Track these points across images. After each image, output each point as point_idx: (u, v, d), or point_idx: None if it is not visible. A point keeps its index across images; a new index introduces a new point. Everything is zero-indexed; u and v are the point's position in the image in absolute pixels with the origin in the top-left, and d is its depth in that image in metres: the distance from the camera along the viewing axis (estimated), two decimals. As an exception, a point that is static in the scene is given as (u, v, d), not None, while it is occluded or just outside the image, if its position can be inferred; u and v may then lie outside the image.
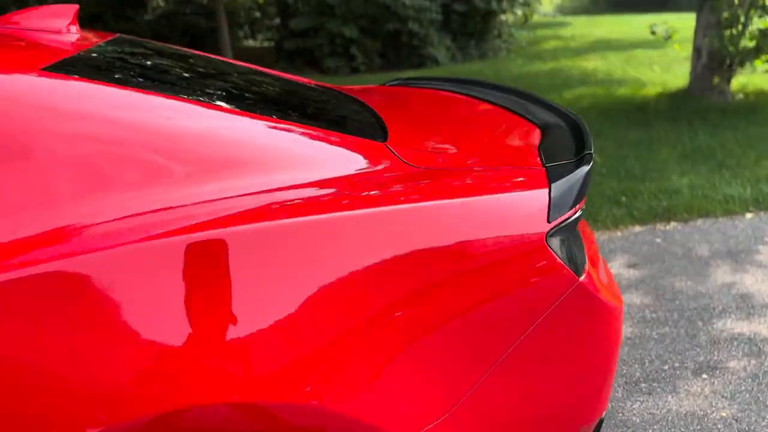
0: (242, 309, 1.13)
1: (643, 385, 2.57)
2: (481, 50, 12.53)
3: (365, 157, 1.41)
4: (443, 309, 1.28)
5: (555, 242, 1.39)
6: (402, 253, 1.25)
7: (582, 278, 1.42)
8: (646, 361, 2.72)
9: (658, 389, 2.54)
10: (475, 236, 1.32)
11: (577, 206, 1.46)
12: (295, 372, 1.14)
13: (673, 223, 4.10)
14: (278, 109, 1.62)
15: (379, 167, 1.40)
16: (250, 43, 15.57)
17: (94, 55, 1.53)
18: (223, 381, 1.11)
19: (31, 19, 1.69)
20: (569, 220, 1.43)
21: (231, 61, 2.16)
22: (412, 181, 1.38)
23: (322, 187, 1.27)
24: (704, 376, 2.61)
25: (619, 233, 4.03)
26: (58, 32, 1.69)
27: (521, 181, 1.44)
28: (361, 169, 1.37)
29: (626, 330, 2.94)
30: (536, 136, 1.70)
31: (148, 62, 1.71)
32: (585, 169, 1.47)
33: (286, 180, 1.24)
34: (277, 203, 1.21)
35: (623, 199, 4.45)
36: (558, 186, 1.42)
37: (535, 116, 1.88)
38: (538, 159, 1.53)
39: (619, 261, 3.62)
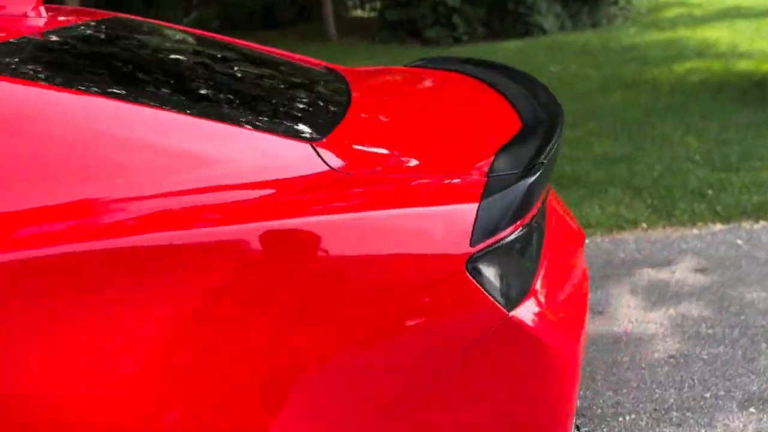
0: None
1: (674, 414, 2.26)
2: (594, 18, 11.71)
3: (274, 161, 1.25)
4: (326, 340, 1.11)
5: (481, 268, 1.18)
6: (274, 276, 1.09)
7: (513, 312, 1.20)
8: (686, 385, 2.39)
9: (691, 420, 2.22)
10: (376, 260, 1.14)
11: (516, 226, 1.23)
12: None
13: (762, 223, 3.60)
14: (192, 97, 1.46)
15: (288, 174, 1.24)
16: (358, 13, 15.53)
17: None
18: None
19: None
20: (503, 243, 1.21)
21: (206, 35, 2.06)
22: (324, 190, 1.21)
23: (194, 196, 1.14)
24: (752, 410, 2.25)
25: (695, 231, 3.59)
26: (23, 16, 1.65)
27: (452, 194, 1.23)
28: (259, 175, 1.22)
29: (672, 346, 2.60)
30: (508, 136, 1.47)
31: (73, 50, 1.59)
32: (527, 182, 1.23)
33: (147, 188, 1.11)
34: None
35: (709, 192, 3.96)
36: (488, 203, 1.19)
37: (529, 110, 1.63)
38: (489, 166, 1.31)
39: (686, 264, 3.22)
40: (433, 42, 11.13)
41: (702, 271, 3.15)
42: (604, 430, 2.19)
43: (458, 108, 1.80)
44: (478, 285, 1.16)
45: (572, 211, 3.69)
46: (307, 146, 1.29)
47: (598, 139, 5.09)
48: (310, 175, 1.25)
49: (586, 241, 3.48)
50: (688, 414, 2.25)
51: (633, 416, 2.25)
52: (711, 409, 2.27)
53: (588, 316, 1.85)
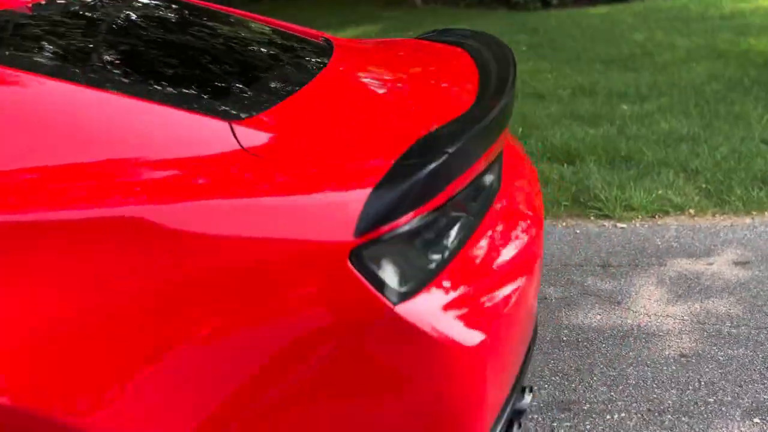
0: None
1: (668, 417, 2.12)
2: (698, -18, 10.83)
3: (181, 138, 1.25)
4: (192, 325, 1.11)
5: (366, 259, 1.13)
6: (141, 258, 1.10)
7: (400, 307, 1.15)
8: (690, 387, 2.23)
9: (685, 426, 2.08)
10: (254, 246, 1.12)
11: (412, 216, 1.17)
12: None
13: (828, 215, 3.26)
14: (109, 68, 1.44)
15: (193, 153, 1.23)
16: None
17: None
18: None
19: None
20: (394, 234, 1.16)
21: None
22: (227, 171, 1.20)
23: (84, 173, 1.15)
24: (756, 420, 2.07)
25: (747, 220, 3.30)
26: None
27: (346, 181, 1.18)
28: (158, 154, 1.21)
29: (686, 344, 2.43)
30: (450, 119, 1.40)
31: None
32: (424, 172, 1.16)
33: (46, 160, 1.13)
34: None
35: (775, 177, 3.63)
36: (379, 192, 1.14)
37: (487, 94, 1.55)
38: (405, 151, 1.24)
39: (727, 256, 2.98)
40: (520, 7, 10.70)
41: (743, 264, 2.91)
42: (587, 426, 2.09)
43: (424, 87, 1.73)
44: (361, 277, 1.12)
45: (613, 192, 3.51)
46: (224, 125, 1.28)
47: (666, 115, 4.75)
48: (219, 155, 1.23)
49: (622, 225, 3.30)
50: (683, 419, 2.11)
51: (622, 415, 2.13)
52: (710, 416, 2.11)
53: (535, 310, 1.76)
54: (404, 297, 1.16)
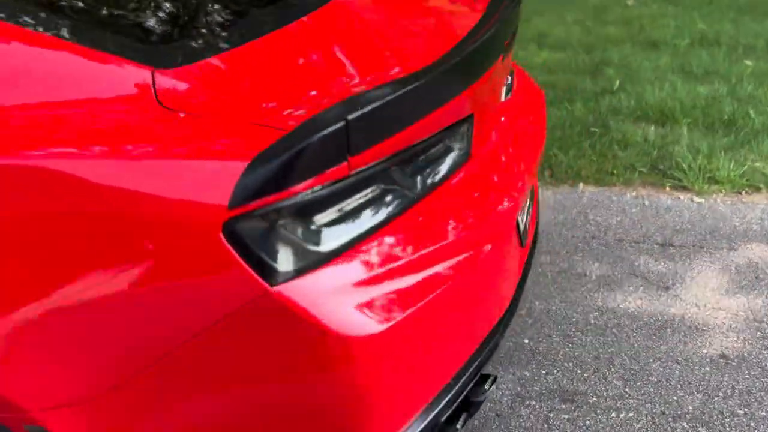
0: None
1: (683, 424, 1.89)
2: None
3: (98, 84, 1.20)
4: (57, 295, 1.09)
5: (242, 234, 1.05)
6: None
7: (279, 288, 1.06)
8: (721, 394, 1.97)
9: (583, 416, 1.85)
10: (136, 199, 1.06)
11: (298, 190, 1.06)
12: None
13: None
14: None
15: (101, 95, 1.18)
16: None
17: None
18: None
19: None
20: (275, 207, 1.06)
21: None
22: (132, 121, 1.15)
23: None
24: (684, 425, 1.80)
25: None
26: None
27: (234, 147, 1.08)
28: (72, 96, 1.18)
29: (731, 343, 2.15)
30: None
31: None
32: (315, 140, 1.05)
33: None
34: None
35: None
36: (259, 161, 1.04)
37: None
38: (313, 116, 1.13)
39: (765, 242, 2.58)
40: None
41: (830, 258, 2.51)
42: (586, 422, 1.92)
43: (399, 44, 1.56)
44: (233, 252, 1.05)
45: (699, 161, 3.13)
46: (145, 73, 1.21)
47: (796, 74, 4.13)
48: (132, 103, 1.18)
49: (699, 200, 2.96)
50: (699, 429, 1.88)
51: (630, 415, 1.93)
52: (733, 430, 1.86)
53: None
54: (285, 278, 1.07)
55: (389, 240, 1.21)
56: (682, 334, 2.22)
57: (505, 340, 2.21)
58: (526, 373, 2.10)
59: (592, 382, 2.06)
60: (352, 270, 1.14)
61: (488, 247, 1.41)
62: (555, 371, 2.11)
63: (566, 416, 1.94)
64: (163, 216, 1.07)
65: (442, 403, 1.36)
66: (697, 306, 2.34)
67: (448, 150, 1.38)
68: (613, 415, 1.94)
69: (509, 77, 1.75)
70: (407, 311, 1.18)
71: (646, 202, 3.00)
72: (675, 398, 1.98)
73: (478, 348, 1.47)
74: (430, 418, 1.33)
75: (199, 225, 1.05)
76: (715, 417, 1.91)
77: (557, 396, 2.01)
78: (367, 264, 1.17)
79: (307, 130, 1.07)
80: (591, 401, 1.99)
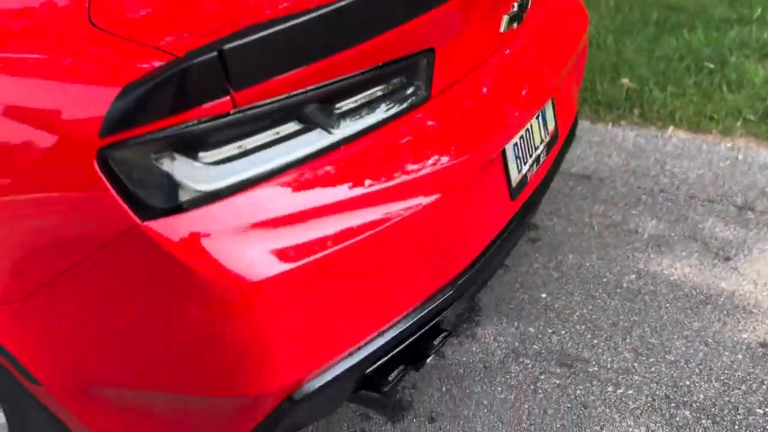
0: None
1: (686, 412, 1.69)
2: None
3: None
4: None
5: (117, 164, 1.02)
6: None
7: (150, 223, 1.03)
8: (744, 387, 1.73)
9: (700, 430, 1.64)
10: (21, 113, 1.07)
11: (170, 121, 1.00)
12: None
13: None
14: None
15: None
16: None
17: None
18: None
19: None
20: (151, 138, 1.01)
21: None
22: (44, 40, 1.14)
23: None
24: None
25: None
26: None
27: (125, 71, 1.03)
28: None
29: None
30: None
31: None
32: (182, 70, 0.97)
33: None
34: None
35: None
36: (128, 90, 0.99)
37: None
38: (207, 43, 1.05)
39: None
40: None
41: None
42: (576, 391, 1.77)
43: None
44: (107, 182, 1.02)
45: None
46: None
47: None
48: (60, 17, 1.18)
49: (805, 160, 2.52)
50: (703, 421, 1.67)
51: (629, 392, 1.76)
52: (743, 428, 1.64)
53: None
54: (155, 214, 1.04)
55: (295, 184, 1.14)
56: (724, 313, 1.96)
57: (519, 292, 2.08)
58: (531, 329, 1.97)
59: (599, 350, 1.89)
60: (234, 213, 1.08)
61: (434, 197, 1.29)
62: (563, 332, 1.95)
63: (557, 381, 1.81)
64: (48, 135, 1.07)
65: (367, 353, 1.31)
66: (755, 284, 2.04)
67: (392, 89, 1.25)
68: (610, 389, 1.78)
69: (517, 2, 1.52)
70: (301, 261, 1.12)
71: (740, 156, 2.60)
72: (687, 383, 1.77)
73: (422, 302, 1.38)
74: (346, 367, 1.29)
75: (75, 151, 1.04)
76: (726, 411, 1.69)
77: (555, 358, 1.87)
78: (258, 208, 1.10)
79: (185, 59, 1.01)
80: (590, 370, 1.83)
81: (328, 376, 1.28)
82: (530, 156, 1.67)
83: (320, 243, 1.15)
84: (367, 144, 1.23)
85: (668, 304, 2.01)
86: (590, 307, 2.03)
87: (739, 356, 1.83)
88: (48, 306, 1.18)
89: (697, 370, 1.81)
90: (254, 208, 1.11)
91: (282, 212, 1.13)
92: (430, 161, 1.29)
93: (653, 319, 1.97)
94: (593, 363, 1.86)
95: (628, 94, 3.04)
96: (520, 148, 1.61)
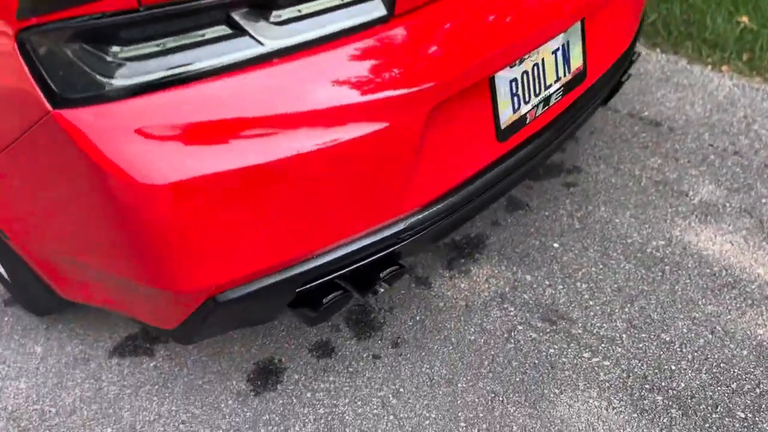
0: None
1: (656, 397, 1.56)
2: None
3: None
4: None
5: (33, 49, 1.03)
6: None
7: (62, 111, 1.04)
8: (734, 384, 1.56)
9: (664, 419, 1.51)
10: None
11: (80, 10, 0.98)
12: None
13: None
14: None
15: None
16: None
17: None
18: None
19: None
20: (64, 25, 1.00)
21: None
22: None
23: None
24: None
25: None
26: None
27: None
28: None
29: None
30: None
31: None
32: None
33: None
34: None
35: None
36: None
37: None
38: None
39: None
40: None
41: None
42: (551, 349, 1.68)
43: None
44: (25, 66, 1.04)
45: None
46: None
47: None
48: None
49: None
50: (674, 411, 1.54)
51: (605, 363, 1.65)
52: (714, 428, 1.49)
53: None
54: (67, 104, 1.05)
55: (217, 92, 1.10)
56: (749, 302, 1.75)
57: (531, 236, 1.97)
58: (528, 277, 1.87)
59: (591, 313, 1.77)
60: (146, 112, 1.08)
61: (379, 126, 1.21)
62: (560, 287, 1.84)
63: (534, 335, 1.73)
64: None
65: (297, 272, 1.31)
66: (800, 277, 1.79)
67: (345, 3, 1.15)
68: (586, 355, 1.68)
69: None
70: (207, 171, 1.11)
71: None
72: (673, 368, 1.63)
73: (362, 234, 1.34)
74: (275, 281, 1.30)
75: (1, 31, 1.07)
76: (703, 406, 1.54)
77: (541, 312, 1.78)
78: (172, 111, 1.09)
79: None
80: (573, 331, 1.73)
81: (256, 286, 1.30)
82: (535, 95, 1.51)
83: (236, 156, 1.13)
84: (309, 60, 1.17)
85: (688, 280, 1.82)
86: (600, 266, 1.88)
87: (744, 352, 1.65)
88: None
89: (689, 357, 1.65)
90: (169, 110, 1.10)
91: (198, 119, 1.11)
92: (383, 86, 1.21)
93: (664, 292, 1.80)
94: (579, 325, 1.75)
95: (741, 35, 2.64)
96: (520, 85, 1.46)
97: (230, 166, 1.13)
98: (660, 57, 2.67)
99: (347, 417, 1.60)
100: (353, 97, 1.19)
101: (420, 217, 1.38)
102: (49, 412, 1.65)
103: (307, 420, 1.60)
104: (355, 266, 1.38)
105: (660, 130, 2.31)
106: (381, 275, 1.44)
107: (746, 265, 1.84)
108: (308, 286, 1.36)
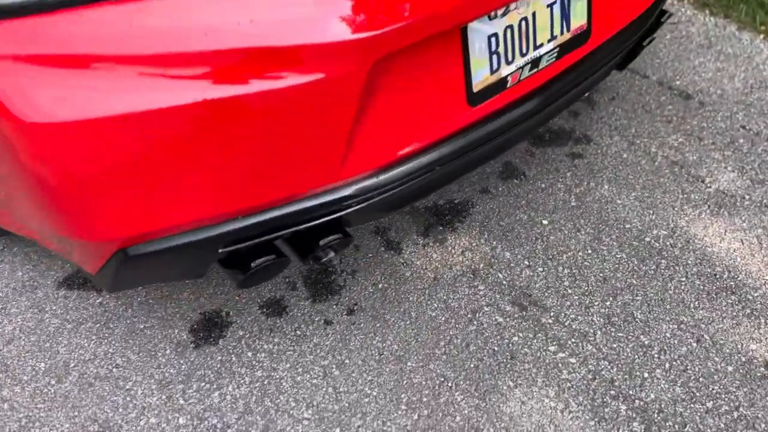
0: None
1: (618, 406, 1.41)
2: None
3: None
4: None
5: None
6: None
7: None
8: (717, 403, 1.40)
9: (622, 419, 1.37)
10: None
11: None
12: None
13: None
14: None
15: None
16: None
17: None
18: None
19: None
20: None
21: None
22: None
23: None
24: None
25: None
26: None
27: None
28: None
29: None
30: None
31: None
32: None
33: None
34: None
35: None
36: None
37: None
38: None
39: None
40: None
41: None
42: (515, 338, 1.53)
43: None
44: None
45: None
46: None
47: None
48: None
49: None
50: (636, 424, 1.39)
51: (571, 361, 1.50)
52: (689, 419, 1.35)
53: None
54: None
55: (116, 16, 0.95)
56: (747, 311, 1.55)
57: (520, 210, 1.79)
58: (507, 254, 1.71)
59: (567, 303, 1.60)
60: (37, 38, 0.94)
61: (311, 77, 1.04)
62: (539, 269, 1.67)
63: (499, 319, 1.58)
64: None
65: (216, 233, 1.18)
66: (813, 290, 1.58)
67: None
68: (551, 348, 1.52)
69: None
70: (102, 112, 0.97)
71: None
72: (645, 375, 1.47)
73: (294, 197, 1.20)
74: (192, 239, 1.18)
75: None
76: (670, 423, 1.39)
77: (512, 295, 1.62)
78: (55, 39, 0.95)
79: None
80: (543, 321, 1.57)
81: (172, 243, 1.19)
82: (521, 55, 1.31)
83: (134, 97, 0.99)
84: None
85: (684, 279, 1.63)
86: (589, 251, 1.71)
87: (730, 368, 1.47)
88: None
89: (666, 365, 1.48)
90: (59, 36, 0.96)
91: (94, 51, 0.97)
92: (317, 31, 1.04)
93: (654, 289, 1.62)
94: (551, 314, 1.59)
95: (806, 3, 2.32)
96: (502, 41, 1.26)
97: (128, 108, 0.99)
98: (708, 20, 2.37)
99: (284, 384, 1.50)
100: (274, 38, 1.02)
101: (367, 183, 1.23)
102: (-12, 338, 1.61)
103: (242, 381, 1.51)
104: (288, 231, 1.24)
105: (689, 103, 2.06)
106: (321, 243, 1.30)
107: (753, 269, 1.64)
108: (234, 247, 1.24)
